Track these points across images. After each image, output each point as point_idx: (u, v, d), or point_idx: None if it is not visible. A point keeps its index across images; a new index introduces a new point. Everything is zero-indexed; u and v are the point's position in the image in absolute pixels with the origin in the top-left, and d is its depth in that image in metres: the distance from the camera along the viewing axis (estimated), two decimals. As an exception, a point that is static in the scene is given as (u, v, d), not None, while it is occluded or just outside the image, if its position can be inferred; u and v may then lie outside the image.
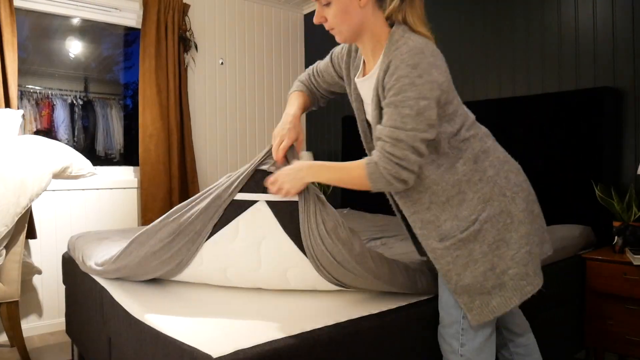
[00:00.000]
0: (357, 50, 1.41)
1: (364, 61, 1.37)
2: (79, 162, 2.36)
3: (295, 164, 1.34)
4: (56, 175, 2.28)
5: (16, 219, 2.14)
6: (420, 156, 1.17)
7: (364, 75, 1.36)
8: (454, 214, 1.24)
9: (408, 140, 1.14)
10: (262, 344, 1.10)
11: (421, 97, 1.12)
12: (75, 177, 2.38)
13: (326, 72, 1.55)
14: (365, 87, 1.35)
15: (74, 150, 2.39)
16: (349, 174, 1.25)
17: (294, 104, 1.53)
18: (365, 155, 1.45)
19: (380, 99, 1.24)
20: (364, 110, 1.42)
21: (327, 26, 1.27)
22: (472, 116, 1.33)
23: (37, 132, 3.16)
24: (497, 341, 1.49)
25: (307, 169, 1.31)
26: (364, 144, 1.47)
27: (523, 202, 1.26)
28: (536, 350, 1.49)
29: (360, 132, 1.46)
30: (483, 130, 1.33)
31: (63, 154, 2.30)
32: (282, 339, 1.14)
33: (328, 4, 1.23)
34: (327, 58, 1.55)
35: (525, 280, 1.22)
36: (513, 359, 1.47)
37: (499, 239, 1.22)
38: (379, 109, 1.25)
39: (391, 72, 1.17)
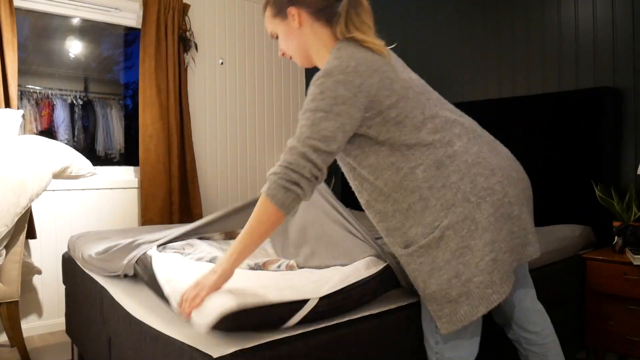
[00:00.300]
0: None
1: None
2: (79, 162, 2.36)
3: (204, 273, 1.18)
4: (56, 175, 2.28)
5: (16, 219, 2.14)
6: (310, 163, 1.14)
7: None
8: (418, 220, 1.23)
9: (299, 146, 1.14)
10: (262, 344, 1.11)
11: (318, 109, 1.15)
12: (75, 177, 2.38)
13: None
14: None
15: (74, 150, 2.39)
16: (256, 218, 1.14)
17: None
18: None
19: None
20: None
21: (287, 56, 1.36)
22: (441, 118, 1.25)
23: (39, 133, 3.17)
24: (509, 336, 1.50)
25: (219, 265, 1.15)
26: None
27: (491, 207, 1.21)
28: (556, 350, 1.46)
29: None
30: (456, 131, 1.24)
31: (63, 154, 2.30)
32: (282, 339, 1.14)
33: (277, 37, 1.34)
34: None
35: (491, 289, 1.19)
36: (528, 356, 1.47)
37: (463, 246, 1.19)
38: None
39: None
